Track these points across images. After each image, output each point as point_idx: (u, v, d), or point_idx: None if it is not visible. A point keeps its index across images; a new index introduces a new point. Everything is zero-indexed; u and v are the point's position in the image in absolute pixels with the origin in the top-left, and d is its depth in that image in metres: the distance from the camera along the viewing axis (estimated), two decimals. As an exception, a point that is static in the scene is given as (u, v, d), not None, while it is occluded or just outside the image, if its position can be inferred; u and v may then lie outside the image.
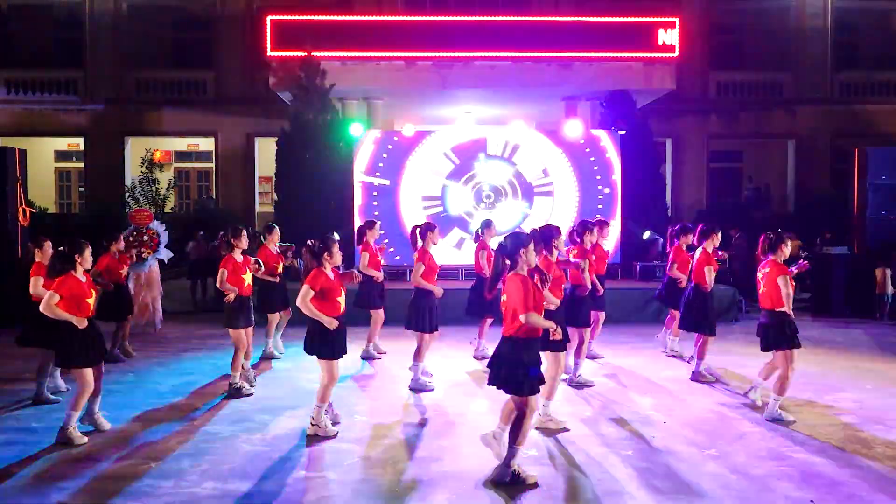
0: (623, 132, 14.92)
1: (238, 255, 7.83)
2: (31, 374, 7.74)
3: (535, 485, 5.12)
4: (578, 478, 5.32)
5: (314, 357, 6.30)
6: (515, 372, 5.12)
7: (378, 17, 17.45)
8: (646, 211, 15.49)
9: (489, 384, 5.31)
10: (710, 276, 8.16)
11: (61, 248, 6.41)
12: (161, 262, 11.40)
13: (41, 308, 6.12)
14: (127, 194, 20.61)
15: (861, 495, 5.02)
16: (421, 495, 5.04)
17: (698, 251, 8.38)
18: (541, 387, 5.27)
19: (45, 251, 7.50)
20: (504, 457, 5.23)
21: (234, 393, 7.63)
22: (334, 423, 6.44)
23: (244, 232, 7.95)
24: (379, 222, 9.92)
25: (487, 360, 9.20)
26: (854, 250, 14.03)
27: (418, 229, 8.16)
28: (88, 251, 6.37)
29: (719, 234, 8.47)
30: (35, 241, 7.79)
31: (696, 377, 8.30)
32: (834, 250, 13.96)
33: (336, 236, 6.44)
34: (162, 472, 5.43)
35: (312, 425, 6.27)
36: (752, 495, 5.03)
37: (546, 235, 6.51)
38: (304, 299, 6.04)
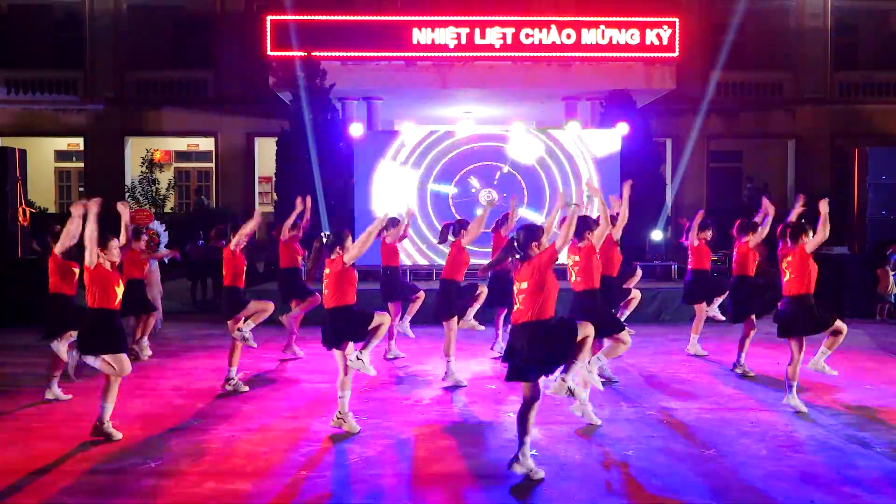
0: (625, 132, 14.87)
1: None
2: (30, 372, 7.70)
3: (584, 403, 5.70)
4: (578, 478, 5.31)
5: (316, 357, 6.31)
6: (553, 349, 5.29)
7: (378, 17, 17.45)
8: (646, 211, 15.47)
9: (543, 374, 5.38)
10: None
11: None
12: (161, 262, 11.41)
13: (86, 261, 6.01)
14: (127, 194, 20.61)
15: (861, 496, 5.01)
16: (421, 495, 5.04)
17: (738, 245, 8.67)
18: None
19: None
20: (562, 371, 5.47)
21: (233, 390, 7.75)
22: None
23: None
24: (401, 221, 9.60)
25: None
26: (854, 250, 14.02)
27: (451, 226, 8.40)
28: (113, 243, 6.28)
29: (758, 230, 8.73)
30: (54, 237, 7.78)
31: None
32: (834, 250, 13.93)
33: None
34: (162, 472, 5.43)
35: (338, 418, 6.36)
36: (751, 495, 5.02)
37: (580, 228, 6.56)
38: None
